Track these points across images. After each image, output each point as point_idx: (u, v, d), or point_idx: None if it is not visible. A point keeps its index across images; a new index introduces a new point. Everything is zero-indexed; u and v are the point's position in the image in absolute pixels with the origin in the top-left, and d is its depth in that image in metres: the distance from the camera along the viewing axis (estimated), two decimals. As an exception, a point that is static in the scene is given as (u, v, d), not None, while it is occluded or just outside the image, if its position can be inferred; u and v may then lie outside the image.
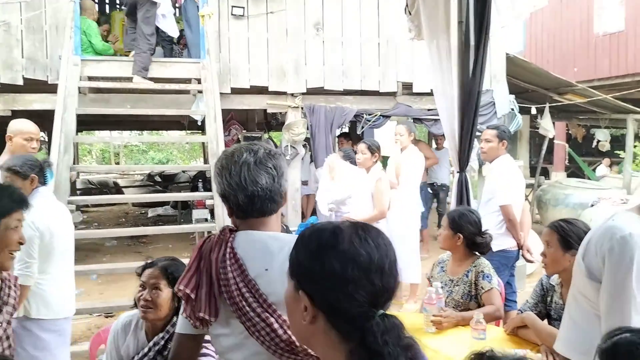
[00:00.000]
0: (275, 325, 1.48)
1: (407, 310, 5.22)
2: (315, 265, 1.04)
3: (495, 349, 1.26)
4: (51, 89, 5.89)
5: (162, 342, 2.23)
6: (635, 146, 8.66)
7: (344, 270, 1.01)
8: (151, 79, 6.14)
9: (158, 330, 2.26)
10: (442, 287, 3.00)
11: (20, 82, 6.06)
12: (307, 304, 1.04)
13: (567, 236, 2.59)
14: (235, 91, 6.69)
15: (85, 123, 10.92)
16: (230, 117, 8.87)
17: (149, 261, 2.41)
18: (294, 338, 1.46)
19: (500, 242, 4.07)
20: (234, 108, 7.13)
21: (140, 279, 2.32)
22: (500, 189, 4.06)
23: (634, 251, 1.74)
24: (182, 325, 1.69)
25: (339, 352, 1.03)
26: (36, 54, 6.10)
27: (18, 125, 3.71)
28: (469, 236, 3.06)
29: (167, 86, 6.03)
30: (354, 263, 1.01)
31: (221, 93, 6.31)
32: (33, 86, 6.12)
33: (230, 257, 1.55)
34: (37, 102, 6.16)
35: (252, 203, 1.59)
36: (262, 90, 6.82)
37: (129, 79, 6.10)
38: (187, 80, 6.21)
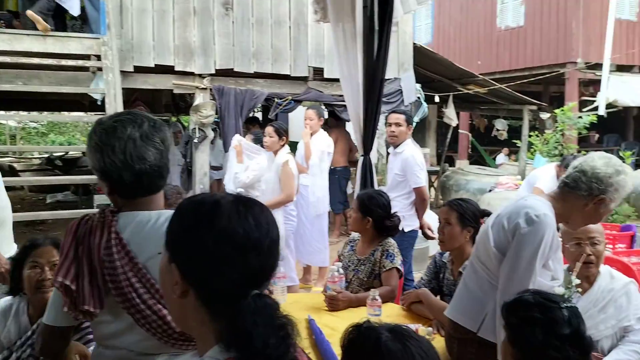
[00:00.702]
0: (169, 317, 1.37)
1: (317, 293, 5.28)
2: (188, 239, 0.99)
3: (372, 321, 1.30)
4: None
5: None
6: (530, 136, 9.23)
7: (217, 247, 0.97)
8: (46, 55, 5.71)
9: (42, 313, 2.11)
10: (347, 267, 3.07)
11: None
12: (178, 277, 0.99)
13: (464, 214, 2.72)
14: (139, 70, 6.39)
15: (-27, 101, 10.04)
16: (135, 98, 8.47)
17: (31, 241, 2.22)
18: None
19: (410, 222, 4.25)
20: (137, 87, 6.81)
21: (29, 259, 2.14)
22: (415, 171, 4.19)
23: (545, 231, 1.88)
24: (54, 317, 1.54)
25: (210, 331, 0.98)
26: None
27: None
28: (377, 219, 3.11)
29: (63, 62, 5.64)
30: (228, 240, 0.97)
31: (123, 71, 6.03)
32: None
33: (116, 243, 1.44)
34: None
35: (139, 182, 1.47)
36: (167, 70, 6.56)
37: (21, 54, 5.63)
38: (86, 57, 5.84)
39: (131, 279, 1.41)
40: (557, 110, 9.15)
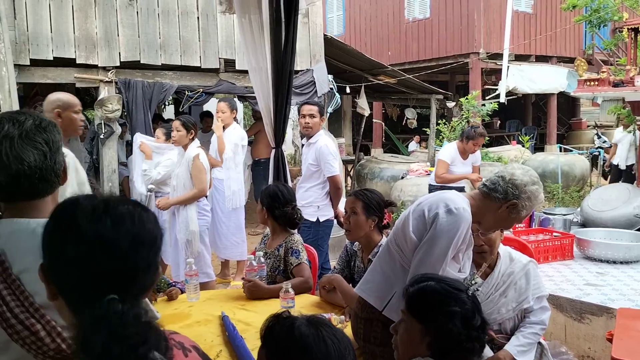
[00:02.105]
0: (42, 333, 1.28)
1: (235, 287, 5.24)
2: (45, 240, 1.00)
3: (290, 312, 1.35)
4: None
5: None
6: (438, 124, 9.63)
7: (63, 247, 0.95)
8: None
9: None
10: (264, 257, 3.06)
11: None
12: (46, 280, 1.00)
13: (370, 203, 2.80)
14: (36, 63, 6.01)
15: None
16: (34, 93, 7.94)
17: None
18: (64, 346, 1.30)
19: (325, 212, 4.32)
20: (35, 82, 6.40)
21: None
22: (329, 161, 4.24)
23: (461, 224, 1.99)
24: None
25: (74, 328, 0.94)
26: None
27: (63, 98, 3.00)
28: (278, 212, 3.13)
29: (-52, 55, 5.19)
30: (75, 240, 0.95)
31: (18, 65, 5.67)
32: None
33: None
34: None
35: (17, 184, 1.37)
36: (68, 63, 6.22)
37: None
38: (-26, 49, 5.40)
39: (2, 291, 1.30)
40: (462, 99, 9.62)
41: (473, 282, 2.43)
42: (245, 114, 14.26)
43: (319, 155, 4.28)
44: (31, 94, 7.91)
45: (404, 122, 12.32)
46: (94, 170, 6.93)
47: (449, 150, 5.83)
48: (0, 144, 1.35)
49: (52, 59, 6.07)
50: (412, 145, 13.94)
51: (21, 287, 1.31)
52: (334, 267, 3.14)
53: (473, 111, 9.44)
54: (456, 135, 8.81)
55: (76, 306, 0.96)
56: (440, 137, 9.53)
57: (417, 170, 8.20)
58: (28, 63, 5.93)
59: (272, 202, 3.12)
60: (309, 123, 4.34)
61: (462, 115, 9.30)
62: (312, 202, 4.28)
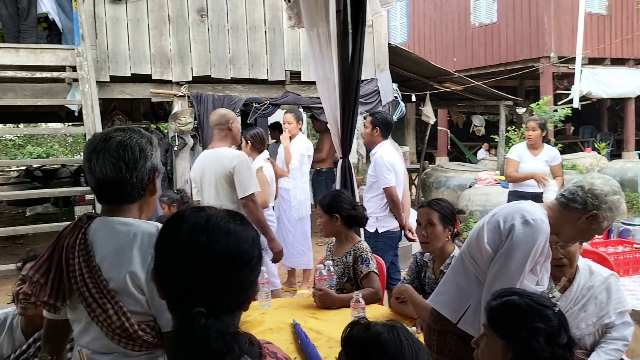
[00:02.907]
0: (111, 312, 1.51)
1: (301, 296, 5.30)
2: (157, 247, 1.08)
3: (367, 319, 1.40)
4: None
5: None
6: (507, 130, 9.36)
7: (161, 259, 1.03)
8: (20, 67, 5.66)
9: (38, 328, 2.14)
10: (333, 266, 3.07)
11: None
12: (155, 283, 1.09)
13: (445, 213, 2.77)
14: (115, 79, 6.36)
15: (-53, 116, 9.88)
16: (113, 107, 8.41)
17: (30, 254, 2.28)
18: (127, 324, 1.50)
19: (385, 223, 4.26)
20: (114, 97, 6.78)
21: (20, 272, 2.20)
22: (383, 172, 4.22)
23: (539, 235, 1.93)
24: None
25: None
26: None
27: (229, 113, 3.77)
28: (346, 215, 3.14)
29: (38, 74, 5.60)
30: (178, 251, 1.01)
31: (100, 82, 6.00)
32: None
33: (80, 242, 1.57)
34: None
35: (100, 189, 1.63)
36: (144, 79, 6.54)
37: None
38: (61, 68, 5.79)
39: (85, 275, 1.53)
40: (532, 105, 9.32)
41: (551, 295, 2.35)
42: (308, 124, 14.44)
43: (376, 166, 4.28)
44: (109, 108, 8.37)
45: (471, 129, 12.05)
46: (168, 181, 7.22)
47: (515, 147, 5.61)
48: (92, 155, 1.60)
49: (129, 75, 6.41)
50: (481, 153, 13.60)
51: (99, 273, 1.54)
52: (404, 277, 3.12)
53: (545, 117, 9.11)
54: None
55: (172, 312, 1.03)
56: (510, 144, 9.25)
57: (486, 179, 8.00)
58: (108, 80, 6.28)
59: (336, 204, 3.14)
60: (362, 134, 4.41)
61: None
62: (371, 213, 4.24)
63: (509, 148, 9.50)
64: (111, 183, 1.59)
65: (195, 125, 7.06)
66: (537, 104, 9.18)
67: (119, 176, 1.59)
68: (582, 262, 2.53)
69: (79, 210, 7.10)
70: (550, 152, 5.35)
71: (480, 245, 2.05)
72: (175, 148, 6.72)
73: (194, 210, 1.08)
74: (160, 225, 1.59)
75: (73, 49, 5.74)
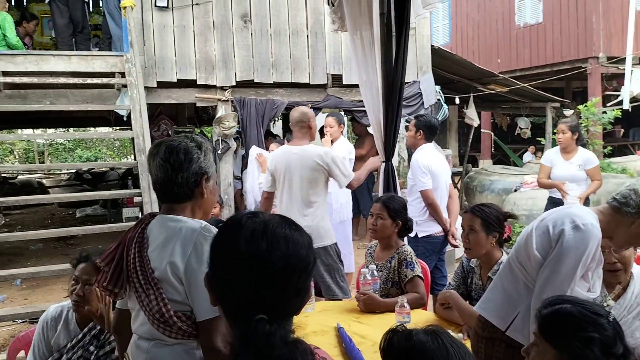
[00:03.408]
0: (152, 297, 1.66)
1: (344, 300, 5.30)
2: (213, 253, 1.07)
3: (406, 326, 1.34)
4: (-39, 85, 5.54)
5: (99, 327, 2.24)
6: (554, 133, 9.11)
7: (224, 268, 1.01)
8: (72, 74, 5.88)
9: (91, 319, 2.28)
10: (377, 270, 3.04)
11: None
12: (209, 288, 1.07)
13: (488, 219, 2.72)
14: (162, 85, 6.53)
15: (4, 121, 10.34)
16: (159, 112, 8.63)
17: (84, 254, 2.38)
18: (164, 310, 1.64)
19: (425, 228, 4.20)
20: (161, 102, 6.95)
21: (74, 272, 2.30)
22: (418, 175, 4.18)
23: (590, 240, 1.88)
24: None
25: (232, 338, 1.03)
26: (-58, 47, 5.71)
27: (309, 111, 3.84)
28: (404, 222, 3.14)
29: (89, 80, 5.80)
30: (238, 260, 1.00)
31: (147, 87, 6.16)
32: (-59, 83, 5.71)
33: (139, 235, 1.75)
34: (-55, 99, 5.76)
35: (157, 190, 1.83)
36: (190, 84, 6.69)
37: (48, 74, 5.81)
38: (111, 74, 5.99)
39: (137, 263, 1.71)
40: (580, 106, 9.06)
41: (605, 304, 2.27)
42: (348, 127, 14.44)
43: (412, 169, 4.25)
44: (156, 113, 8.60)
45: (516, 132, 11.79)
46: (212, 183, 7.35)
47: (548, 152, 5.42)
48: (149, 159, 1.83)
49: (175, 80, 6.56)
50: (527, 156, 13.27)
51: (148, 262, 1.71)
52: (449, 283, 3.07)
53: (593, 119, 8.84)
54: (574, 145, 8.30)
55: (231, 319, 1.03)
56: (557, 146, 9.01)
57: (532, 182, 7.79)
58: (155, 85, 6.45)
59: (402, 211, 3.13)
60: (406, 138, 4.38)
61: (581, 123, 8.74)
62: (411, 217, 4.20)
63: (556, 151, 9.27)
64: (161, 183, 1.78)
65: (239, 129, 7.17)
66: (585, 106, 8.92)
67: (166, 177, 1.76)
68: (637, 269, 2.44)
69: (127, 212, 7.32)
70: (584, 156, 5.06)
71: (529, 251, 2.00)
72: (219, 152, 6.84)
73: (248, 217, 1.07)
74: (205, 224, 1.72)
75: (122, 56, 5.92)
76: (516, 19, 13.71)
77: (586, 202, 4.97)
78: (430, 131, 4.31)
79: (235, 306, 1.01)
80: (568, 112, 10.00)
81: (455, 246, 4.39)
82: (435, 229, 4.20)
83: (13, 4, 8.70)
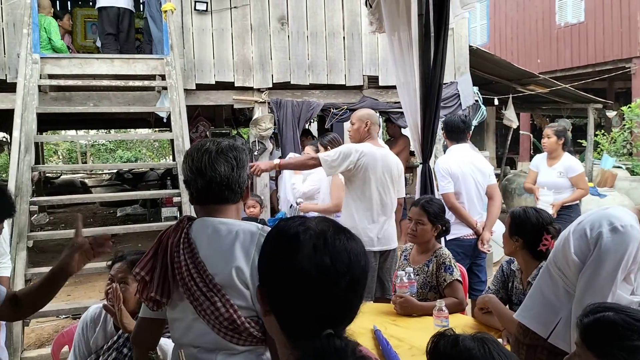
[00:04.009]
0: (219, 304, 1.58)
1: (378, 303, 5.27)
2: (267, 267, 1.03)
3: (454, 330, 1.33)
4: (10, 87, 5.74)
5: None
6: (596, 135, 8.87)
7: (289, 283, 0.97)
8: (114, 76, 6.04)
9: None
10: (413, 273, 3.02)
11: (-23, 81, 5.89)
12: (262, 301, 1.04)
13: (512, 223, 2.67)
14: (201, 87, 6.63)
15: (49, 122, 10.68)
16: (197, 114, 8.78)
17: (119, 255, 2.42)
18: (235, 316, 1.56)
19: (453, 230, 4.10)
20: (200, 104, 7.07)
21: (109, 272, 2.34)
22: (439, 177, 4.14)
23: (630, 242, 1.82)
24: (143, 309, 1.80)
25: (291, 355, 1.00)
26: (-7, 52, 5.94)
27: (373, 114, 3.95)
28: (444, 226, 3.11)
29: (131, 83, 5.95)
30: (300, 278, 0.96)
31: (186, 89, 6.26)
32: (-10, 85, 5.95)
33: (184, 241, 1.65)
34: (-5, 101, 6.00)
35: (209, 189, 1.70)
36: (227, 86, 6.78)
37: (91, 77, 5.99)
38: (151, 77, 6.12)
39: (191, 270, 1.61)
40: (624, 107, 8.79)
41: None
42: (383, 128, 14.38)
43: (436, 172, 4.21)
44: (194, 114, 8.75)
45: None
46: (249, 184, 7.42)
47: (536, 157, 5.23)
48: (202, 156, 1.71)
49: (214, 83, 6.66)
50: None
51: (204, 267, 1.62)
52: (488, 287, 3.02)
53: (637, 121, 8.56)
54: (617, 148, 8.06)
55: (292, 333, 1.00)
56: (599, 149, 8.77)
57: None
58: (194, 87, 6.56)
59: (442, 215, 3.11)
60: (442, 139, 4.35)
61: (624, 125, 8.48)
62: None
63: (598, 153, 9.02)
64: (222, 181, 1.69)
65: (275, 131, 7.23)
66: (629, 107, 8.65)
67: (231, 174, 1.70)
68: None
69: (166, 212, 7.46)
70: (565, 163, 4.86)
71: (567, 255, 1.95)
72: (255, 153, 6.90)
73: (301, 228, 1.02)
74: (261, 225, 1.68)
75: (162, 59, 6.05)
76: (557, 18, 13.40)
77: (575, 211, 4.79)
78: (453, 132, 4.24)
79: (297, 322, 0.98)
80: (611, 114, 9.72)
81: (484, 252, 4.28)
82: (464, 232, 4.12)
83: (58, 8, 8.98)
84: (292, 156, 5.93)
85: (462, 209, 4.10)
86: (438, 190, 4.21)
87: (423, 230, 3.08)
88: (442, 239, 4.00)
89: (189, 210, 4.89)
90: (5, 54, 5.96)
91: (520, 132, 13.38)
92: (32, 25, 5.69)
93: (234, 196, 1.73)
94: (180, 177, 5.11)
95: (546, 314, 2.04)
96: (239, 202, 1.77)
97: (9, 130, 11.48)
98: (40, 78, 5.60)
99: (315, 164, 3.80)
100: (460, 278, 2.99)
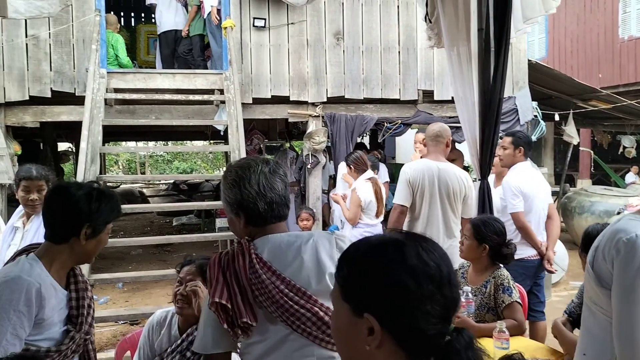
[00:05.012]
0: (321, 314, 1.55)
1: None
2: (387, 285, 0.95)
3: (523, 354, 1.28)
4: (78, 100, 6.04)
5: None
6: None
7: (418, 286, 0.93)
8: (176, 90, 6.26)
9: (190, 324, 2.32)
10: (471, 293, 2.95)
11: (49, 95, 6.21)
12: (377, 327, 0.95)
13: (588, 240, 2.56)
14: (257, 101, 6.77)
15: (112, 134, 11.15)
16: (252, 127, 8.95)
17: (187, 258, 2.49)
18: None
19: (518, 251, 3.97)
20: (255, 118, 7.21)
21: (178, 275, 2.39)
22: (508, 196, 4.00)
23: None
24: (209, 344, 1.62)
25: None
26: (64, 66, 6.26)
27: (445, 128, 3.90)
28: (494, 247, 3.00)
29: (191, 97, 6.14)
30: (427, 277, 0.94)
31: (243, 103, 6.40)
32: (61, 98, 6.27)
33: (258, 261, 1.60)
34: (64, 114, 6.30)
35: (271, 209, 1.68)
36: (283, 100, 6.89)
37: (154, 91, 6.22)
38: (210, 91, 6.30)
39: (279, 286, 1.56)
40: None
41: None
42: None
43: (504, 190, 4.07)
44: (249, 127, 8.91)
45: (620, 150, 11.04)
46: (301, 197, 7.49)
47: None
48: (259, 179, 1.68)
49: (270, 97, 6.78)
50: (630, 177, 12.39)
51: (292, 282, 1.59)
52: (572, 300, 2.88)
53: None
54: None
55: (414, 348, 0.97)
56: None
57: (637, 205, 7.27)
58: (250, 101, 6.70)
59: (489, 234, 3.00)
60: (500, 155, 4.19)
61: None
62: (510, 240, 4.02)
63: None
64: (281, 200, 1.70)
65: (328, 144, 7.27)
66: (702, 123, 8.20)
67: (285, 191, 1.73)
68: None
69: (220, 222, 7.59)
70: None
71: (594, 286, 1.82)
72: (308, 166, 6.97)
73: (392, 240, 1.01)
74: (334, 231, 1.69)
75: (221, 74, 6.22)
76: (620, 31, 12.91)
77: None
78: (529, 148, 4.18)
79: (422, 334, 0.95)
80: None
81: (551, 272, 4.15)
82: (528, 253, 3.99)
83: (123, 24, 9.40)
84: (343, 169, 5.94)
85: (531, 229, 3.98)
86: (506, 209, 4.08)
87: (468, 247, 3.03)
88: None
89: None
90: (75, 68, 6.28)
91: (581, 148, 12.91)
92: (100, 42, 5.98)
93: (288, 212, 1.75)
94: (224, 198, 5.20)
95: (603, 353, 1.93)
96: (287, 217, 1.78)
97: (74, 140, 12.07)
98: (107, 92, 5.87)
99: (402, 211, 3.77)
100: (519, 300, 2.90)
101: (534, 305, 3.99)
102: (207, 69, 6.96)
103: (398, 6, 7.07)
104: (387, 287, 0.95)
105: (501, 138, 4.56)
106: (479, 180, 4.03)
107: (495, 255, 3.02)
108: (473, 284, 3.03)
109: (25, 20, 5.96)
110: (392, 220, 3.86)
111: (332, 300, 1.05)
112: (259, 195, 1.66)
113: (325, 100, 6.96)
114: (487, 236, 2.99)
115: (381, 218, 5.15)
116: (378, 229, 5.13)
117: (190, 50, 7.15)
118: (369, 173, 5.16)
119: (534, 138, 7.60)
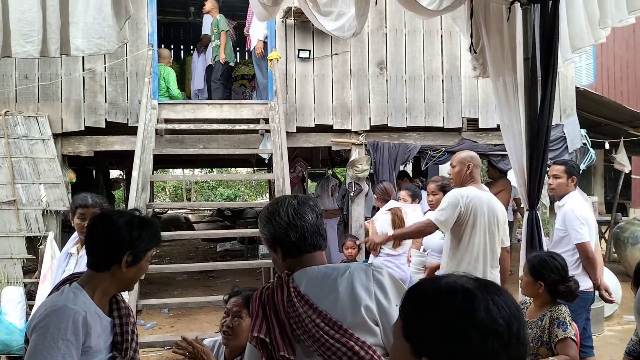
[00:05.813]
0: (357, 348, 1.54)
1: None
2: (447, 335, 0.94)
3: None
4: (131, 131, 6.28)
5: None
6: None
7: (483, 342, 0.91)
8: (223, 120, 6.44)
9: (236, 355, 2.36)
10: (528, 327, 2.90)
11: (103, 125, 6.48)
12: (408, 349, 0.97)
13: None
14: (301, 130, 6.88)
15: (160, 161, 11.50)
16: (295, 155, 9.06)
17: (235, 289, 2.53)
18: (375, 357, 1.53)
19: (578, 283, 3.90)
20: (299, 146, 7.31)
21: (225, 306, 2.44)
22: (575, 226, 3.90)
23: None
24: None
25: None
26: (117, 98, 6.53)
27: (475, 156, 3.90)
28: (551, 284, 2.93)
29: (237, 126, 6.30)
30: (494, 335, 0.92)
31: (287, 132, 6.51)
32: (114, 128, 6.53)
33: (296, 295, 1.63)
34: (117, 143, 6.56)
35: (303, 238, 1.72)
36: (326, 129, 6.97)
37: (202, 121, 6.41)
38: (256, 121, 6.45)
39: (316, 320, 1.58)
40: None
41: None
42: (483, 170, 13.98)
43: (566, 220, 3.96)
44: (293, 155, 9.04)
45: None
46: (343, 225, 7.49)
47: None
48: (287, 211, 1.74)
49: (313, 126, 6.89)
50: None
51: (328, 315, 1.60)
52: (631, 338, 2.79)
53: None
54: None
55: None
56: None
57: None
58: (294, 130, 6.82)
59: (545, 271, 2.92)
60: (551, 184, 4.12)
61: None
62: (573, 276, 3.91)
63: None
64: (312, 229, 1.73)
65: (371, 172, 7.29)
66: None
67: (318, 222, 1.76)
68: None
69: (262, 249, 7.66)
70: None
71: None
72: (351, 194, 6.99)
73: (463, 285, 0.99)
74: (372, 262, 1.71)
75: (267, 104, 6.37)
76: (672, 55, 12.54)
77: None
78: (579, 177, 4.11)
79: None
80: None
81: (611, 301, 4.04)
82: (588, 284, 3.88)
83: (173, 57, 9.77)
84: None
85: (596, 259, 3.89)
86: (565, 239, 4.01)
87: (525, 283, 3.00)
88: None
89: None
90: (128, 100, 6.55)
91: (633, 176, 12.46)
92: (152, 75, 6.23)
93: (324, 242, 1.77)
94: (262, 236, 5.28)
95: None
96: (325, 248, 1.79)
97: (125, 168, 12.50)
98: (158, 122, 6.09)
99: (432, 228, 3.75)
100: (574, 337, 2.80)
101: (584, 340, 3.86)
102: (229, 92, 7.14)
103: (442, 35, 7.11)
104: (450, 337, 0.93)
105: (549, 167, 4.50)
106: (526, 210, 3.96)
107: (554, 292, 2.95)
108: (530, 317, 2.98)
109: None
110: (415, 229, 3.93)
111: (393, 332, 1.06)
112: (290, 225, 1.71)
113: (368, 128, 7.01)
114: (543, 274, 2.94)
115: (403, 249, 5.12)
116: (401, 259, 5.09)
117: (222, 74, 7.36)
118: (392, 203, 5.24)
119: (582, 166, 7.41)
